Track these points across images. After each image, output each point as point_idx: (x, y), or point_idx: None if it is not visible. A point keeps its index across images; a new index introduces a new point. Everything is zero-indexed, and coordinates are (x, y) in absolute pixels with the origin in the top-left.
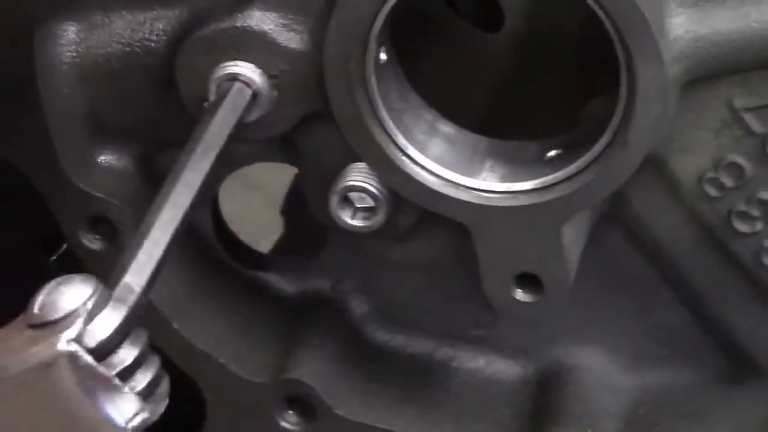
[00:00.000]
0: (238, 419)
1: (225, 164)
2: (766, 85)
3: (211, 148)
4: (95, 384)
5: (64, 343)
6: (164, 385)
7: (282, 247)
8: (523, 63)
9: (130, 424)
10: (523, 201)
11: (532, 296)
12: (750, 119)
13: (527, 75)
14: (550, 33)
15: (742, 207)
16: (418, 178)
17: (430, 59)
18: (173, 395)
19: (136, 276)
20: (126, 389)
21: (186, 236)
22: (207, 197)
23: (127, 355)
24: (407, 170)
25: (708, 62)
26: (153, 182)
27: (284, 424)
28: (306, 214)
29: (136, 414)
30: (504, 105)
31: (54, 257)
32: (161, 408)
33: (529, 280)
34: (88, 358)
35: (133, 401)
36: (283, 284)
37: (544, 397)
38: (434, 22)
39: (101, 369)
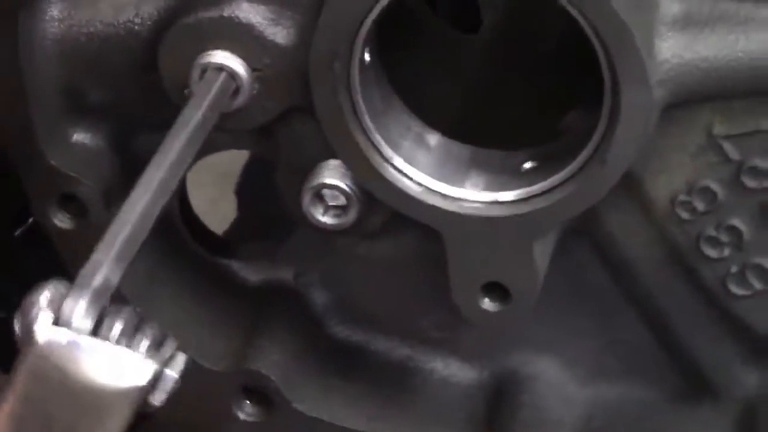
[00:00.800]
0: (194, 406)
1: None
2: (746, 114)
3: (193, 137)
4: (91, 355)
5: (41, 330)
6: (170, 344)
7: (236, 229)
8: (500, 67)
9: (140, 379)
10: (502, 212)
11: (498, 305)
12: (727, 146)
13: (504, 80)
14: (527, 39)
15: (712, 232)
16: (396, 183)
17: (408, 60)
18: None
19: (108, 261)
20: (123, 349)
21: None
22: None
23: (113, 324)
24: (385, 174)
25: (692, 87)
26: (125, 163)
27: (240, 414)
28: (260, 196)
29: (144, 367)
30: (480, 109)
31: (18, 231)
32: (176, 363)
33: (496, 290)
34: (69, 334)
35: (135, 357)
36: (246, 272)
37: (500, 404)
38: (413, 22)
39: (85, 338)
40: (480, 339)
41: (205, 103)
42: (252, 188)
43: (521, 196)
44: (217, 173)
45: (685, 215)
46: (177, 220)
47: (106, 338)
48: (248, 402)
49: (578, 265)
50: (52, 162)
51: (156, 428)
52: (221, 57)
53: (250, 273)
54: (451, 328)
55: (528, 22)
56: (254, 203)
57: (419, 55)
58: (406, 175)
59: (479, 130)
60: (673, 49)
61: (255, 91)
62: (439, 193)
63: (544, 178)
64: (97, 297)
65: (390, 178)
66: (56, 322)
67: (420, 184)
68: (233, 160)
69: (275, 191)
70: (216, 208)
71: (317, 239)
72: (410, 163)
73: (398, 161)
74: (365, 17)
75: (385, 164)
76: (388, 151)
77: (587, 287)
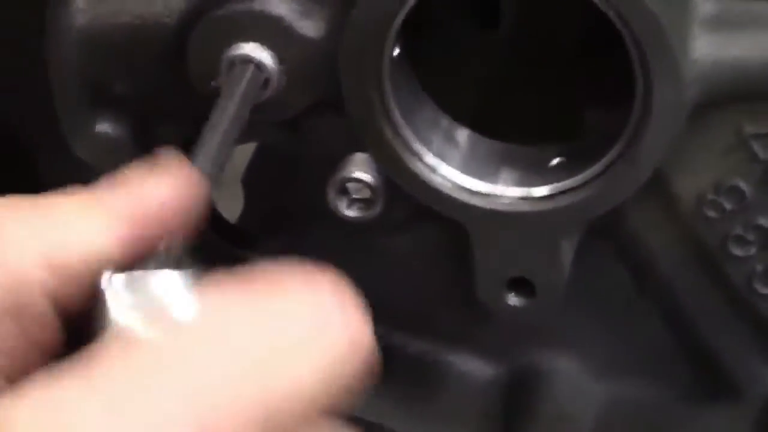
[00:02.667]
0: None
1: None
2: None
3: (230, 130)
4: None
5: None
6: None
7: (243, 220)
8: (521, 63)
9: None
10: (532, 207)
11: (524, 300)
12: (756, 146)
13: (526, 76)
14: (549, 34)
15: (739, 231)
16: (426, 178)
17: (431, 55)
18: None
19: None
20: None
21: None
22: None
23: None
24: (415, 169)
25: (723, 87)
26: (147, 155)
27: None
28: (268, 187)
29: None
30: (503, 105)
31: None
32: None
33: (521, 285)
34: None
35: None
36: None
37: (517, 399)
38: (435, 18)
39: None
40: (498, 335)
41: (238, 95)
42: (260, 178)
43: (550, 192)
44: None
45: (712, 214)
46: None
47: None
48: None
49: (600, 261)
50: (76, 152)
51: None
52: (250, 49)
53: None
54: (469, 323)
55: (550, 17)
56: (262, 193)
57: (443, 52)
58: (435, 171)
59: (503, 126)
60: (706, 49)
61: (283, 84)
62: (469, 188)
63: (573, 175)
64: None
65: (420, 174)
66: None
67: (450, 180)
68: (237, 162)
69: (285, 182)
70: (221, 206)
71: (336, 232)
72: (440, 158)
73: (427, 156)
74: (398, 12)
75: (415, 159)
76: (417, 146)
77: (608, 283)
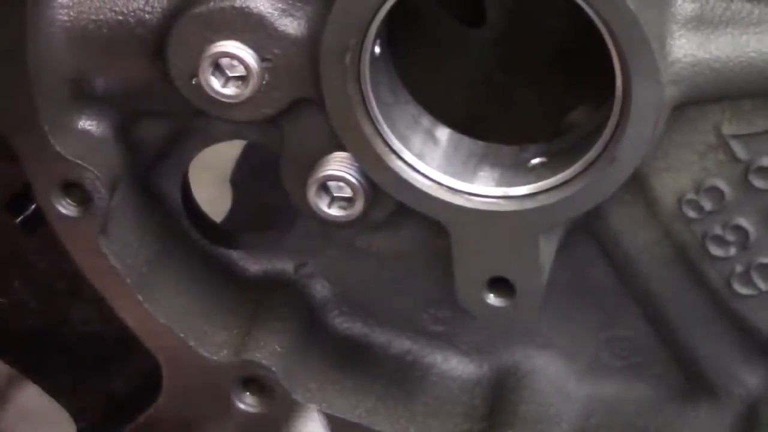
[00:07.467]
0: (194, 396)
1: (200, 139)
2: (756, 114)
3: None
4: None
5: None
6: None
7: (231, 218)
8: (504, 63)
9: None
10: (511, 207)
11: (503, 301)
12: (736, 146)
13: (508, 75)
14: (531, 34)
15: (718, 231)
16: (405, 176)
17: (414, 52)
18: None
19: None
20: None
21: (153, 206)
22: (177, 169)
23: None
24: (393, 166)
25: (703, 87)
26: (129, 151)
27: (239, 404)
28: (255, 186)
29: None
30: (484, 104)
31: (20, 218)
32: None
33: (501, 285)
34: None
35: None
36: (247, 263)
37: (499, 399)
38: (419, 16)
39: None
40: (480, 333)
41: None
42: (248, 177)
43: (531, 192)
44: (217, 174)
45: (691, 214)
46: (178, 209)
47: None
48: (248, 392)
49: (581, 261)
50: (57, 149)
51: (156, 422)
52: (231, 47)
53: (250, 263)
54: (451, 322)
55: (533, 17)
56: (250, 192)
57: (426, 49)
58: (415, 169)
59: (486, 125)
60: (686, 49)
61: (264, 82)
62: (448, 187)
63: (554, 174)
64: None
65: (399, 171)
66: None
67: (429, 178)
68: (233, 161)
69: (271, 180)
70: (216, 208)
71: (318, 231)
72: (419, 157)
73: (407, 154)
74: (378, 10)
75: (394, 156)
76: (396, 144)
77: (590, 283)
